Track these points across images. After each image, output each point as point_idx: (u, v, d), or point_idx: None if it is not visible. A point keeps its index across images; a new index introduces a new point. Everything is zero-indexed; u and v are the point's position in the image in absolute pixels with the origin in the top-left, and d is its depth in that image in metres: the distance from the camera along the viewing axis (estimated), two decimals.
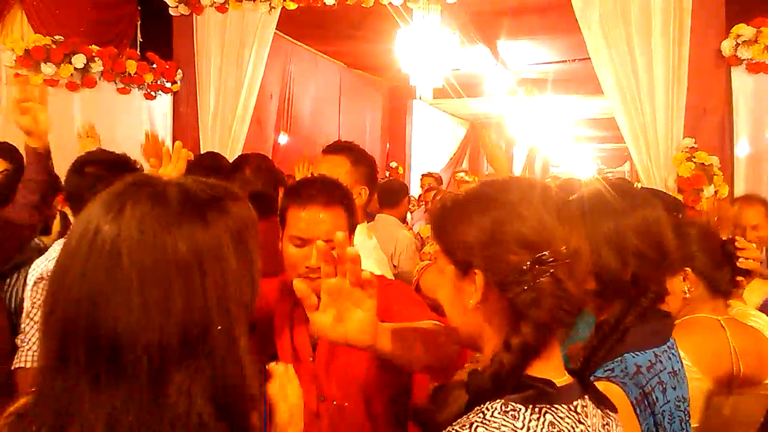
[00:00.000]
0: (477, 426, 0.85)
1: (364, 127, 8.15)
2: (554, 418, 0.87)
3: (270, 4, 4.57)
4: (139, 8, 5.03)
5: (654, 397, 1.20)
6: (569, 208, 0.95)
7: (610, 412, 0.98)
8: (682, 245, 1.66)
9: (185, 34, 4.79)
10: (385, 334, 1.07)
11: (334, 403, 1.54)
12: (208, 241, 0.70)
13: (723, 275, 1.71)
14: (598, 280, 1.22)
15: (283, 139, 6.18)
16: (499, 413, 0.86)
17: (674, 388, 1.25)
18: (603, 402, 0.97)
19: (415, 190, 7.47)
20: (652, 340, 1.27)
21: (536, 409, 0.87)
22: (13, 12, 4.11)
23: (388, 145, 8.66)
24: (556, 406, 0.89)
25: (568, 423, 0.88)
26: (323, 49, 6.76)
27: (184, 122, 4.86)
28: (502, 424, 0.85)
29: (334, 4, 4.45)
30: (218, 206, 0.74)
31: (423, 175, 6.76)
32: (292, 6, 4.55)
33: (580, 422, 0.90)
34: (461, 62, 5.69)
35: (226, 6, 4.67)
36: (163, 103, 4.84)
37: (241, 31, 4.66)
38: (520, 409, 0.87)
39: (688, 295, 1.67)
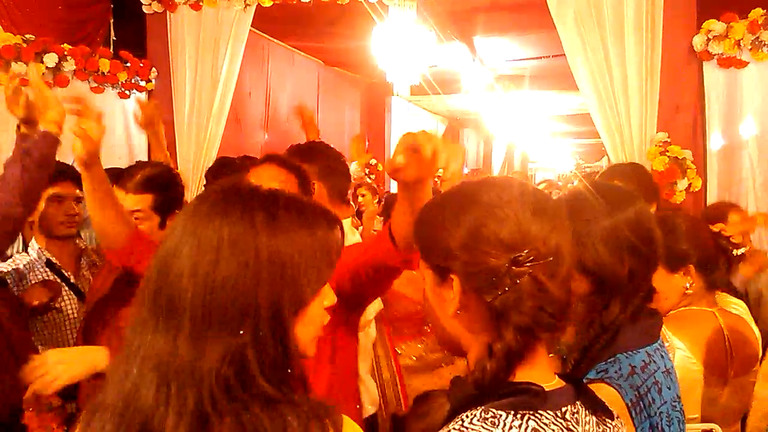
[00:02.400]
0: None
1: (343, 125, 8.13)
2: (538, 424, 0.83)
3: (245, 1, 4.53)
4: (112, 6, 4.94)
5: (650, 398, 1.17)
6: (550, 205, 0.91)
7: (607, 419, 0.93)
8: (676, 240, 1.67)
9: (159, 32, 4.73)
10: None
11: None
12: (277, 241, 0.83)
13: (719, 268, 1.72)
14: (596, 278, 1.21)
15: (262, 137, 6.14)
16: (478, 420, 0.83)
17: (669, 388, 1.22)
18: (599, 408, 0.92)
19: (396, 187, 7.45)
20: (643, 339, 1.25)
21: (518, 416, 0.83)
22: None
23: (367, 143, 8.65)
24: (540, 412, 0.84)
25: (553, 429, 0.84)
26: (300, 47, 6.72)
27: None
28: (481, 430, 0.81)
29: (310, 1, 4.42)
30: (307, 221, 0.87)
31: None
32: (268, 3, 4.51)
33: (568, 429, 0.85)
34: (438, 59, 5.70)
35: (200, 3, 4.62)
36: None
37: (216, 29, 4.61)
38: (501, 415, 0.83)
39: (690, 291, 1.68)
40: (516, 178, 0.96)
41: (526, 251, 0.85)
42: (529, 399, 0.84)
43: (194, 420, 0.78)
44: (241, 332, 0.80)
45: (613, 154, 4.04)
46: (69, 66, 4.21)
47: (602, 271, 1.20)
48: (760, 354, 1.76)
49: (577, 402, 0.90)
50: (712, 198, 3.88)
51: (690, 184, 3.84)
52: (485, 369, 0.85)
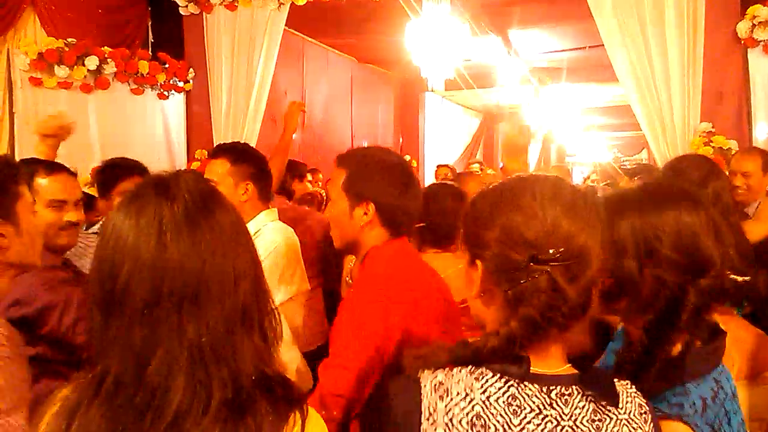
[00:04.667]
0: (440, 374, 0.92)
1: (377, 122, 8.14)
2: (519, 393, 0.90)
3: (279, 0, 4.57)
4: (149, 9, 5.04)
5: (723, 431, 1.09)
6: (583, 206, 0.94)
7: (612, 409, 0.93)
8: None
9: (196, 33, 4.81)
10: None
11: None
12: (233, 219, 0.91)
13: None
14: (612, 275, 1.12)
15: (298, 135, 6.18)
16: (468, 372, 0.91)
17: (735, 414, 1.13)
18: (605, 397, 0.93)
19: (429, 182, 7.44)
20: (710, 363, 1.14)
21: (503, 380, 0.90)
22: (25, 16, 4.14)
23: (401, 139, 8.65)
24: (526, 383, 0.91)
25: (534, 402, 0.90)
26: (334, 44, 6.75)
27: (198, 121, 4.89)
28: (462, 380, 0.91)
29: None
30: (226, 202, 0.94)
31: (439, 166, 6.73)
32: (301, 1, 4.54)
33: (551, 407, 0.90)
34: (472, 53, 5.65)
35: (236, 4, 4.68)
36: (177, 102, 4.87)
37: (251, 29, 4.67)
38: (488, 374, 0.91)
39: None
40: (553, 176, 0.99)
41: (549, 251, 0.89)
42: (516, 368, 0.91)
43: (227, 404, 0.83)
44: (241, 297, 0.87)
45: (655, 146, 3.95)
46: (110, 68, 4.31)
47: (614, 270, 1.12)
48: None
49: (574, 387, 0.93)
50: None
51: None
52: (485, 343, 0.91)
